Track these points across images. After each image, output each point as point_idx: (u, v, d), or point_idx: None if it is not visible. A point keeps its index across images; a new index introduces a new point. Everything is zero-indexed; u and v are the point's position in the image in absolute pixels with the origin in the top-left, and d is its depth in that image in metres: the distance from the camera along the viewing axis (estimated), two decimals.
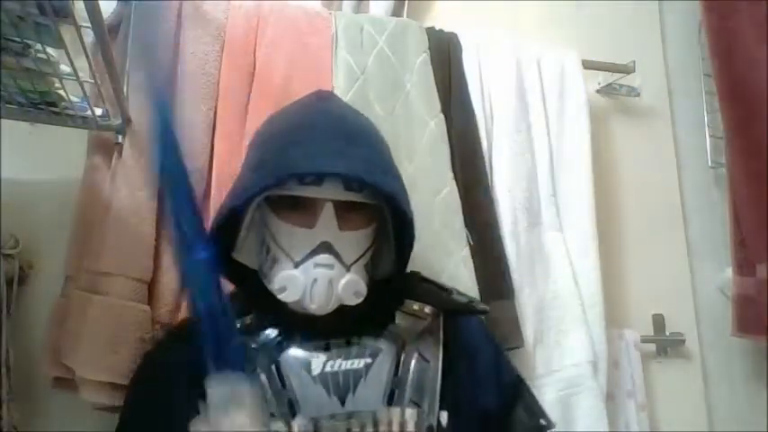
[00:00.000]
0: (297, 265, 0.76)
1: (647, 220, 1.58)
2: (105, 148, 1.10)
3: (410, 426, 0.76)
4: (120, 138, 1.08)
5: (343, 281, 0.76)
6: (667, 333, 1.53)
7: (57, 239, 1.11)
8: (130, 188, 1.04)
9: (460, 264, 1.15)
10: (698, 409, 1.50)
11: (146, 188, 1.05)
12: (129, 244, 1.02)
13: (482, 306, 0.90)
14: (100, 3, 0.76)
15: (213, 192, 1.11)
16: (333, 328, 0.79)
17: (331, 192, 0.77)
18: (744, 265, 1.50)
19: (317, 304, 0.76)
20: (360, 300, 0.78)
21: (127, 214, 1.02)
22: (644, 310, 1.53)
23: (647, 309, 1.53)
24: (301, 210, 0.78)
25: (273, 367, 0.76)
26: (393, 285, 0.87)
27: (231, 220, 0.81)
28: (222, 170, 1.12)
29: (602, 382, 1.26)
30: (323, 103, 0.89)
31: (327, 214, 0.76)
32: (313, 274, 0.75)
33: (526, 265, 1.25)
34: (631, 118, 1.65)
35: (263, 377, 0.76)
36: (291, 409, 0.74)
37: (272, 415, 0.73)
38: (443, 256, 1.15)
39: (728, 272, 1.54)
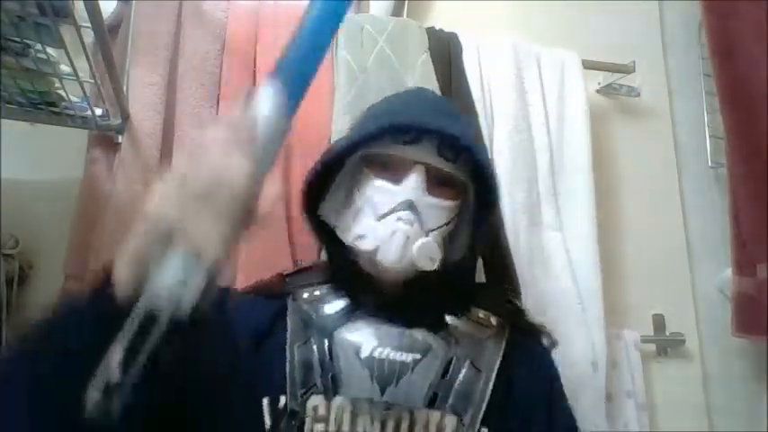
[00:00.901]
0: (378, 219, 0.77)
1: (647, 219, 1.58)
2: (105, 146, 1.10)
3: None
4: (119, 137, 1.08)
5: (419, 241, 0.76)
6: (667, 333, 1.53)
7: (57, 239, 1.11)
8: (129, 184, 1.04)
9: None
10: (698, 409, 1.50)
11: (144, 184, 1.05)
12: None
13: (554, 337, 0.90)
14: (100, 3, 0.76)
15: None
16: (396, 310, 0.79)
17: (424, 154, 0.78)
18: (744, 265, 1.50)
19: (391, 257, 0.75)
20: (432, 266, 0.78)
21: (125, 210, 1.02)
22: (644, 310, 1.53)
23: (647, 309, 1.53)
24: (393, 169, 0.79)
25: (326, 340, 0.77)
26: (464, 286, 0.88)
27: (322, 177, 0.83)
28: None
29: (602, 382, 1.26)
30: (416, 89, 0.96)
31: (417, 175, 0.77)
32: (393, 227, 0.76)
33: (526, 265, 1.25)
34: (631, 118, 1.65)
35: (314, 347, 0.76)
36: (334, 385, 0.74)
37: (314, 386, 0.74)
38: None
39: (728, 272, 1.54)
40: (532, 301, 1.24)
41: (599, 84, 1.62)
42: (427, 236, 0.77)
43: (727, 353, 1.58)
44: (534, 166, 1.33)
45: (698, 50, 1.72)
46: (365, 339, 0.76)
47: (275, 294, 0.84)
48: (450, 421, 0.74)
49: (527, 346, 0.86)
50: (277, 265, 1.07)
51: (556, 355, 0.90)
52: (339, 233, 0.82)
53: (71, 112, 1.00)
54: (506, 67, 1.36)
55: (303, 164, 1.16)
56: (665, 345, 1.52)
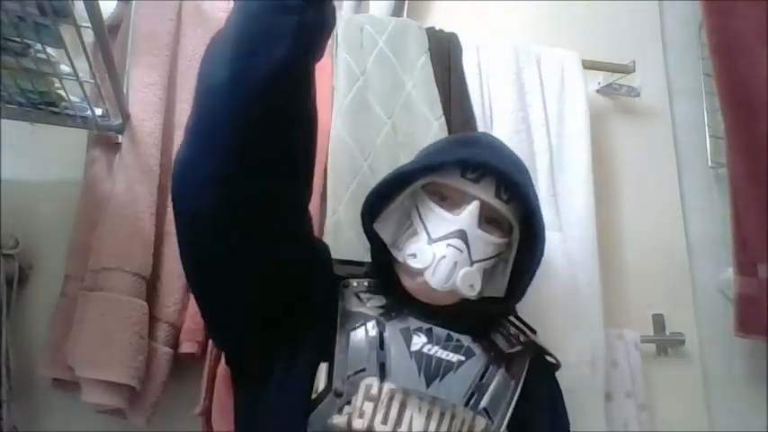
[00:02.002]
0: (430, 242, 0.83)
1: (647, 219, 1.58)
2: (105, 146, 1.10)
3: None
4: (119, 137, 1.08)
5: (465, 269, 0.82)
6: (667, 333, 1.53)
7: (57, 239, 1.11)
8: (128, 182, 1.04)
9: None
10: (698, 409, 1.50)
11: (144, 183, 1.04)
12: (126, 237, 1.02)
13: (558, 363, 0.98)
14: (100, 3, 0.76)
15: None
16: (436, 317, 0.85)
17: (483, 192, 0.84)
18: (744, 265, 1.50)
19: (437, 279, 0.81)
20: (472, 294, 0.84)
21: (124, 208, 1.02)
22: (644, 310, 1.53)
23: (647, 309, 1.53)
24: (452, 200, 0.86)
25: (378, 329, 0.81)
26: (501, 308, 0.93)
27: (380, 198, 0.89)
28: None
29: (601, 382, 1.26)
30: (484, 133, 1.08)
31: (473, 209, 0.83)
32: (443, 251, 0.81)
33: None
34: (631, 118, 1.65)
35: (365, 333, 0.81)
36: (382, 372, 0.77)
37: (363, 370, 0.77)
38: None
39: (729, 272, 1.54)
40: (532, 301, 1.24)
41: (599, 84, 1.61)
42: (472, 266, 0.83)
43: (727, 353, 1.58)
44: (534, 167, 1.33)
45: (698, 50, 1.72)
46: (416, 334, 0.82)
47: (337, 275, 0.90)
48: (481, 422, 0.79)
49: (542, 374, 0.94)
50: None
51: (550, 345, 0.97)
52: (392, 250, 0.88)
53: (71, 112, 1.00)
54: (506, 67, 1.36)
55: None
56: (665, 345, 1.52)
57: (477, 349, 0.84)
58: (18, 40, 0.81)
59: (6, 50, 0.81)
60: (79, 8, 0.74)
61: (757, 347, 1.59)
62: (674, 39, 1.75)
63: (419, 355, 0.80)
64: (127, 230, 1.02)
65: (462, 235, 0.82)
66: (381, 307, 0.86)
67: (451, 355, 0.82)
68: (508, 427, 0.81)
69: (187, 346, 1.05)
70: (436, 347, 0.82)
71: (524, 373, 0.87)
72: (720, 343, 1.57)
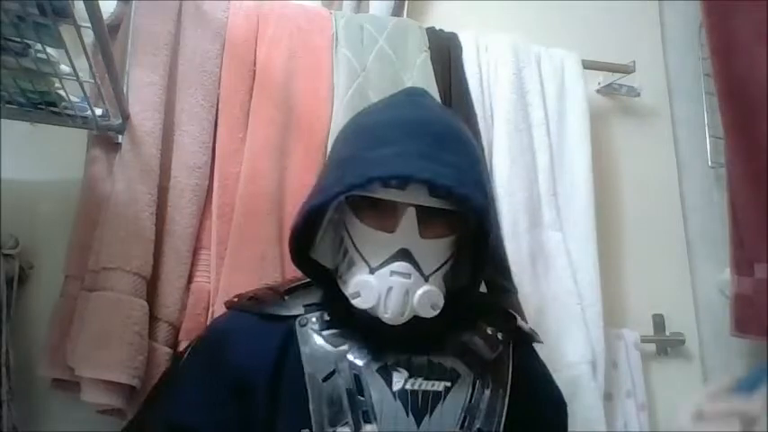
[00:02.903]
0: (373, 271, 0.73)
1: (647, 220, 1.58)
2: (105, 146, 1.10)
3: None
4: (120, 137, 1.08)
5: (419, 291, 0.73)
6: (667, 333, 1.53)
7: (57, 239, 1.11)
8: (128, 182, 1.04)
9: None
10: None
11: (143, 183, 1.05)
12: (126, 237, 1.01)
13: (539, 338, 0.92)
14: (100, 3, 0.76)
15: (215, 190, 1.11)
16: (409, 341, 0.77)
17: (415, 196, 0.73)
18: (742, 265, 1.50)
19: (391, 314, 0.72)
20: (436, 312, 0.75)
21: (124, 207, 1.02)
22: (644, 310, 1.53)
23: (647, 309, 1.53)
24: (382, 212, 0.75)
25: (353, 373, 0.74)
26: (469, 299, 0.84)
27: (312, 220, 0.79)
28: (224, 168, 1.12)
29: (601, 382, 1.27)
30: (412, 99, 0.85)
31: (409, 220, 0.72)
32: (389, 283, 0.72)
33: (526, 265, 1.25)
34: (631, 118, 1.65)
35: (340, 381, 0.74)
36: (366, 421, 0.72)
37: (346, 423, 0.71)
38: None
39: (728, 272, 1.54)
40: (533, 301, 1.24)
41: (599, 84, 1.61)
42: (427, 281, 0.74)
43: (727, 353, 1.58)
44: (534, 166, 1.33)
45: (698, 50, 1.72)
46: (395, 371, 0.75)
47: (276, 315, 0.80)
48: None
49: (524, 357, 0.88)
50: (265, 268, 1.06)
51: (550, 345, 0.97)
52: (337, 280, 0.79)
53: (71, 112, 1.00)
54: (506, 67, 1.36)
55: (302, 163, 1.16)
56: (665, 345, 1.52)
57: (461, 368, 0.78)
58: (18, 40, 0.81)
59: (6, 50, 0.81)
60: (79, 8, 0.74)
61: (756, 347, 1.59)
62: (674, 39, 1.75)
63: (404, 394, 0.74)
64: (127, 230, 1.02)
65: (405, 255, 0.72)
66: (355, 344, 0.77)
67: (437, 383, 0.75)
68: (505, 427, 0.78)
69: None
70: (419, 380, 0.75)
71: (510, 376, 0.82)
72: (720, 343, 1.57)
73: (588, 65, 1.48)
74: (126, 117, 1.05)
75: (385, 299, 0.72)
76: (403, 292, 0.72)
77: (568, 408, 0.94)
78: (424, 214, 0.74)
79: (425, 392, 0.74)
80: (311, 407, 0.72)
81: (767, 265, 1.43)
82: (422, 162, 0.71)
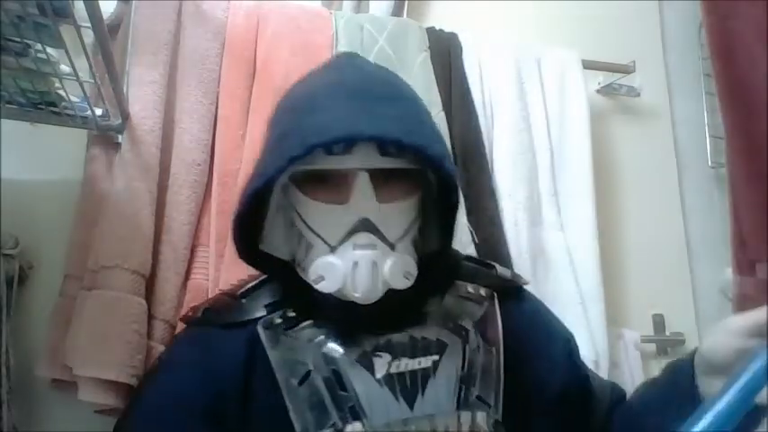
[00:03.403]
0: (333, 250, 0.66)
1: (647, 220, 1.58)
2: (105, 146, 1.10)
3: (484, 427, 0.67)
4: (119, 137, 1.08)
5: (389, 262, 0.65)
6: (667, 333, 1.53)
7: (57, 239, 1.11)
8: (128, 180, 1.04)
9: None
10: None
11: (143, 181, 1.04)
12: (126, 235, 1.01)
13: (524, 279, 0.84)
14: (100, 3, 0.76)
15: (215, 188, 1.11)
16: (385, 318, 0.69)
17: (364, 159, 0.65)
18: (744, 265, 1.50)
19: (362, 292, 0.65)
20: (411, 282, 0.67)
21: (123, 206, 1.02)
22: (644, 310, 1.53)
23: (647, 309, 1.53)
24: (332, 184, 0.67)
25: (331, 368, 0.67)
26: (442, 263, 0.76)
27: (255, 206, 0.71)
28: (224, 166, 1.12)
29: None
30: (345, 61, 0.78)
31: (362, 186, 0.65)
32: (353, 258, 0.64)
33: (527, 265, 1.25)
34: (631, 118, 1.65)
35: (318, 380, 0.66)
36: (354, 416, 0.64)
37: (333, 424, 0.64)
38: None
39: (728, 272, 1.54)
40: None
41: (599, 84, 1.62)
42: (394, 249, 0.66)
43: None
44: (534, 166, 1.33)
45: (698, 50, 1.72)
46: (376, 357, 0.68)
47: (235, 322, 0.72)
48: (482, 417, 0.68)
49: (514, 306, 0.79)
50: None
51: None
52: (297, 269, 0.72)
53: (71, 112, 1.00)
54: (506, 67, 1.36)
55: None
56: (665, 345, 1.52)
57: (446, 336, 0.71)
58: (18, 40, 0.81)
59: (6, 50, 0.81)
60: (79, 8, 0.74)
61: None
62: (674, 39, 1.75)
63: (389, 379, 0.66)
64: (126, 228, 1.02)
65: (366, 225, 0.65)
66: (326, 336, 0.69)
67: (423, 360, 0.68)
68: (506, 398, 0.70)
69: None
70: (404, 360, 0.67)
71: (501, 331, 0.74)
72: None
73: (588, 65, 1.48)
74: (126, 117, 1.06)
75: (352, 277, 0.64)
76: (370, 266, 0.64)
77: None
78: (379, 178, 0.66)
79: (413, 372, 0.67)
80: (292, 415, 0.65)
81: None
82: (365, 119, 0.64)
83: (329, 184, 0.68)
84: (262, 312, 0.72)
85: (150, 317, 1.03)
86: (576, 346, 0.83)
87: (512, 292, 0.81)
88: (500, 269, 0.82)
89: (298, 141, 0.63)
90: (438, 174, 0.71)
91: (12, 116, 1.02)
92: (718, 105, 1.55)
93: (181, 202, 1.08)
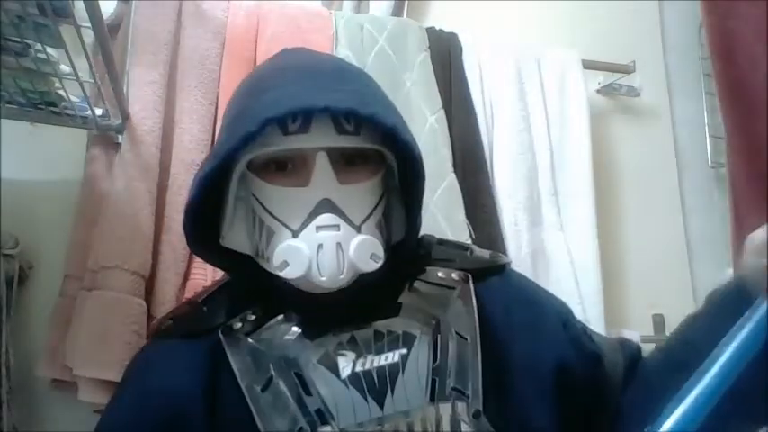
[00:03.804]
0: (296, 234, 0.63)
1: (648, 220, 1.58)
2: (105, 146, 1.10)
3: (464, 418, 0.62)
4: (119, 137, 1.08)
5: (354, 242, 0.63)
6: (667, 333, 1.52)
7: (57, 239, 1.11)
8: (128, 180, 1.04)
9: None
10: None
11: (143, 181, 1.04)
12: (126, 235, 1.02)
13: (506, 258, 0.79)
14: (100, 3, 0.76)
15: None
16: (351, 312, 0.66)
17: (321, 138, 0.63)
18: None
19: (328, 275, 0.62)
20: (378, 264, 0.64)
21: (123, 206, 1.02)
22: (644, 310, 1.53)
23: (647, 309, 1.53)
24: (291, 169, 0.65)
25: (293, 372, 0.64)
26: (409, 250, 0.73)
27: (212, 199, 0.68)
28: None
29: None
30: (297, 51, 0.77)
31: (322, 166, 0.63)
32: (317, 239, 0.62)
33: (527, 265, 1.25)
34: (631, 118, 1.65)
35: (281, 385, 0.63)
36: (322, 420, 0.61)
37: (301, 429, 0.61)
38: None
39: (728, 272, 1.54)
40: None
41: (599, 84, 1.62)
42: (359, 231, 0.64)
43: None
44: (534, 166, 1.33)
45: (698, 50, 1.72)
46: (340, 355, 0.65)
47: (197, 331, 0.69)
48: (462, 408, 0.63)
49: (493, 285, 0.74)
50: None
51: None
52: (260, 262, 0.69)
53: (71, 112, 1.00)
54: (506, 67, 1.37)
55: None
56: None
57: (414, 328, 0.67)
58: (18, 40, 0.81)
59: (6, 50, 0.81)
60: (79, 8, 0.74)
61: None
62: (674, 39, 1.75)
63: (355, 378, 0.63)
64: (126, 229, 1.02)
65: (327, 205, 0.62)
66: (287, 338, 0.67)
67: (390, 354, 0.65)
68: (487, 389, 0.65)
69: None
70: (370, 357, 0.64)
71: (476, 319, 0.69)
72: None
73: (588, 65, 1.48)
74: (126, 117, 1.06)
75: (317, 260, 0.62)
76: (335, 247, 0.62)
77: None
78: (339, 162, 0.64)
79: (380, 369, 0.64)
80: (258, 422, 0.62)
81: None
82: (319, 93, 0.62)
83: (288, 169, 0.66)
84: (223, 318, 0.70)
85: (150, 317, 1.03)
86: (574, 318, 0.78)
87: (492, 272, 0.76)
88: (477, 251, 0.77)
89: (251, 118, 0.61)
90: (398, 150, 0.68)
91: (12, 116, 1.02)
92: (718, 105, 1.55)
93: (180, 203, 1.08)
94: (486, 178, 1.27)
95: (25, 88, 0.92)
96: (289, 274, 0.63)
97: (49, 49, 0.84)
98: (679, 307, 1.56)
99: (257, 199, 0.67)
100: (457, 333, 0.67)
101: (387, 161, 0.70)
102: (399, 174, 0.71)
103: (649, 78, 1.65)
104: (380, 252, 0.64)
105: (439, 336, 0.67)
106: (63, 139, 1.13)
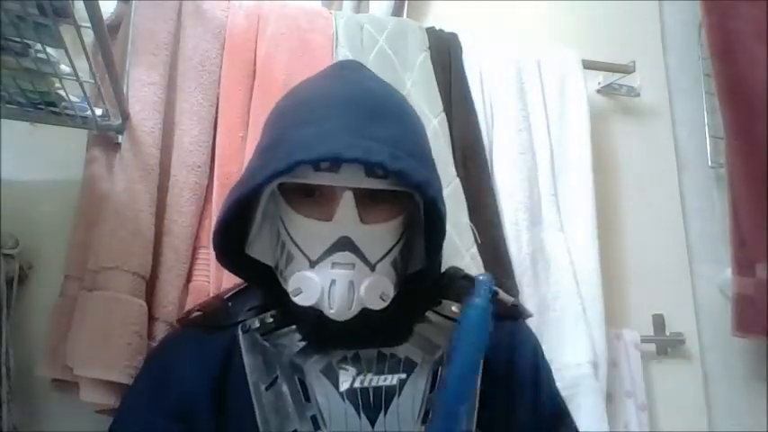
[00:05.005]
0: (313, 265, 0.67)
1: (647, 220, 1.58)
2: (105, 146, 1.10)
3: None
4: (119, 137, 1.08)
5: (366, 282, 0.67)
6: (667, 333, 1.53)
7: (57, 239, 1.11)
8: (128, 181, 1.04)
9: (470, 262, 1.15)
10: (698, 409, 1.50)
11: (143, 182, 1.04)
12: (126, 236, 1.01)
13: (528, 311, 0.83)
14: (100, 3, 0.76)
15: (215, 189, 1.11)
16: (361, 334, 0.70)
17: (350, 179, 0.66)
18: (743, 265, 1.50)
19: (336, 309, 0.66)
20: (386, 303, 0.68)
21: (123, 207, 1.02)
22: (644, 310, 1.53)
23: (647, 309, 1.53)
24: (318, 199, 0.69)
25: (297, 378, 0.68)
26: (426, 283, 0.77)
27: (242, 210, 0.73)
28: (224, 167, 1.12)
29: (603, 382, 1.26)
30: (345, 72, 0.78)
31: (346, 205, 0.65)
32: (331, 275, 0.66)
33: (527, 265, 1.25)
34: (631, 118, 1.65)
35: (284, 387, 0.68)
36: (315, 427, 0.66)
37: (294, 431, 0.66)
38: (452, 253, 1.14)
39: (728, 272, 1.54)
40: (533, 302, 1.24)
41: (599, 84, 1.62)
42: (374, 270, 0.67)
43: (727, 353, 1.58)
44: (534, 166, 1.33)
45: (698, 50, 1.72)
46: (341, 369, 0.69)
47: (220, 325, 0.75)
48: None
49: (504, 331, 0.78)
50: None
51: (552, 345, 0.87)
52: (279, 276, 0.73)
53: (71, 112, 0.99)
54: (506, 67, 1.36)
55: None
56: (665, 345, 1.52)
57: (418, 355, 0.71)
58: (18, 40, 0.81)
59: (6, 50, 0.81)
60: (79, 8, 0.74)
61: (757, 347, 1.59)
62: (674, 39, 1.75)
63: (352, 393, 0.67)
64: (126, 230, 1.01)
65: (346, 243, 0.65)
66: (298, 344, 0.71)
67: (389, 377, 0.68)
68: (481, 422, 0.69)
69: None
70: (369, 376, 0.68)
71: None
72: (720, 343, 1.57)
73: (588, 65, 1.48)
74: (126, 117, 1.05)
75: (329, 293, 0.66)
76: (347, 285, 0.66)
77: (570, 408, 0.87)
78: (365, 197, 0.67)
79: (377, 389, 0.68)
80: (258, 417, 0.67)
81: None
82: (350, 139, 0.64)
83: (315, 199, 0.69)
84: (245, 316, 0.75)
85: (153, 318, 1.03)
86: (565, 420, 0.81)
87: (507, 317, 0.80)
88: (501, 295, 0.80)
89: (283, 155, 0.64)
90: (423, 198, 0.71)
91: (12, 116, 1.01)
92: (718, 105, 1.56)
93: (182, 205, 1.08)
94: (487, 178, 1.27)
95: (25, 88, 0.92)
96: (300, 300, 0.67)
97: (49, 49, 0.84)
98: (679, 307, 1.56)
99: (283, 223, 0.71)
100: None
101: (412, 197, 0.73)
102: (424, 211, 0.73)
103: (649, 78, 1.65)
104: (390, 291, 0.68)
105: (440, 367, 0.70)
106: (63, 139, 1.13)
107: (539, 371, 0.80)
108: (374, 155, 0.63)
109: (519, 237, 1.26)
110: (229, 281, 1.02)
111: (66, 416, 1.09)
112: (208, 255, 1.09)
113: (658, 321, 1.53)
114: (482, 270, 1.17)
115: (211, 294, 1.06)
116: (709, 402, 1.52)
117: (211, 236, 0.72)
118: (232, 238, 0.75)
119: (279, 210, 0.72)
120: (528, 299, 1.23)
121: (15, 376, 1.02)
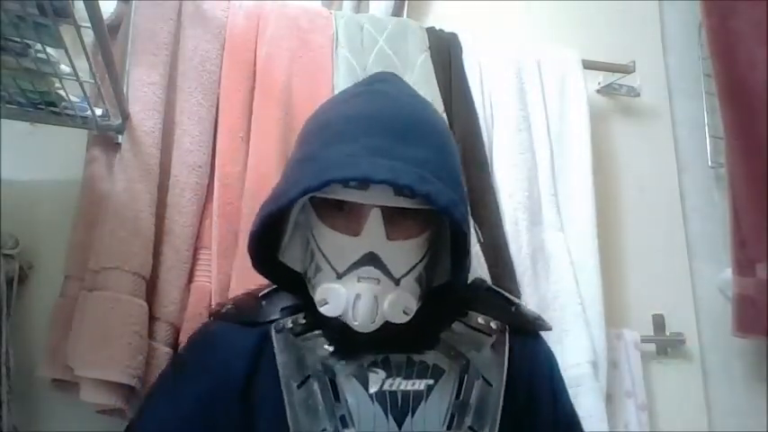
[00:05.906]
0: (340, 277, 0.70)
1: (647, 220, 1.58)
2: (105, 146, 1.10)
3: None
4: (119, 137, 1.08)
5: (390, 297, 0.69)
6: (667, 333, 1.53)
7: (57, 239, 1.11)
8: (128, 181, 1.04)
9: (474, 261, 1.15)
10: (698, 409, 1.50)
11: (143, 182, 1.04)
12: (126, 236, 1.01)
13: (548, 324, 0.86)
14: (100, 3, 0.76)
15: (216, 190, 1.11)
16: (385, 341, 0.72)
17: (378, 197, 0.68)
18: (743, 265, 1.50)
19: (360, 321, 0.69)
20: (408, 317, 0.71)
21: (123, 207, 1.02)
22: (644, 310, 1.53)
23: (647, 309, 1.53)
24: (347, 214, 0.71)
25: (328, 379, 0.71)
26: (452, 296, 0.79)
27: (274, 220, 0.75)
28: (224, 167, 1.12)
29: (603, 383, 1.26)
30: (379, 86, 0.79)
31: (374, 222, 0.68)
32: (356, 289, 0.68)
33: (527, 265, 1.25)
34: (631, 118, 1.65)
35: (315, 386, 0.71)
36: (344, 426, 0.68)
37: (324, 430, 0.68)
38: None
39: (728, 272, 1.54)
40: (533, 301, 1.24)
41: (599, 84, 1.62)
42: (398, 285, 0.70)
43: (727, 353, 1.58)
44: (534, 166, 1.33)
45: (698, 50, 1.72)
46: (372, 372, 0.71)
47: (253, 322, 0.78)
48: None
49: (527, 345, 0.82)
50: None
51: (552, 345, 0.89)
52: (306, 282, 0.76)
53: (71, 112, 1.00)
54: (506, 67, 1.36)
55: None
56: (665, 345, 1.52)
57: (445, 363, 0.74)
58: (18, 40, 0.81)
59: (6, 50, 0.81)
60: (79, 8, 0.74)
61: (757, 347, 1.59)
62: (674, 39, 1.75)
63: (381, 396, 0.70)
64: (126, 230, 1.01)
65: (372, 259, 0.68)
66: (330, 346, 0.74)
67: (418, 382, 0.71)
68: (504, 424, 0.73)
69: None
70: (398, 380, 0.71)
71: (505, 370, 0.76)
72: (720, 343, 1.57)
73: (588, 65, 1.48)
74: (126, 117, 1.06)
75: (353, 306, 0.68)
76: (371, 299, 0.68)
77: None
78: (393, 215, 0.70)
79: (405, 393, 0.71)
80: (288, 415, 0.70)
81: None
82: (381, 160, 0.66)
83: (344, 214, 0.71)
84: (277, 315, 0.78)
85: (154, 318, 1.03)
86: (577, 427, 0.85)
87: (527, 332, 0.83)
88: (523, 308, 0.85)
89: (315, 172, 0.67)
90: (449, 219, 0.74)
91: (12, 116, 1.02)
92: (718, 105, 1.56)
93: (183, 205, 1.08)
94: (488, 177, 1.27)
95: (25, 88, 0.92)
96: (326, 311, 0.70)
97: (49, 49, 0.84)
98: (679, 307, 1.56)
99: (313, 234, 0.74)
100: (483, 377, 0.74)
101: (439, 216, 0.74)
102: (450, 228, 0.76)
103: (649, 78, 1.65)
104: (413, 306, 0.71)
105: (466, 375, 0.74)
106: (63, 139, 1.13)
107: (556, 386, 0.84)
108: (402, 177, 0.66)
109: (519, 237, 1.26)
110: (237, 283, 1.03)
111: (66, 416, 1.09)
112: (209, 255, 1.09)
113: (658, 321, 1.53)
114: (485, 269, 1.16)
115: (213, 294, 1.06)
116: (709, 402, 1.52)
117: (246, 244, 0.75)
118: (265, 245, 0.77)
119: (309, 221, 0.75)
120: (528, 298, 1.23)
121: (15, 376, 1.02)
